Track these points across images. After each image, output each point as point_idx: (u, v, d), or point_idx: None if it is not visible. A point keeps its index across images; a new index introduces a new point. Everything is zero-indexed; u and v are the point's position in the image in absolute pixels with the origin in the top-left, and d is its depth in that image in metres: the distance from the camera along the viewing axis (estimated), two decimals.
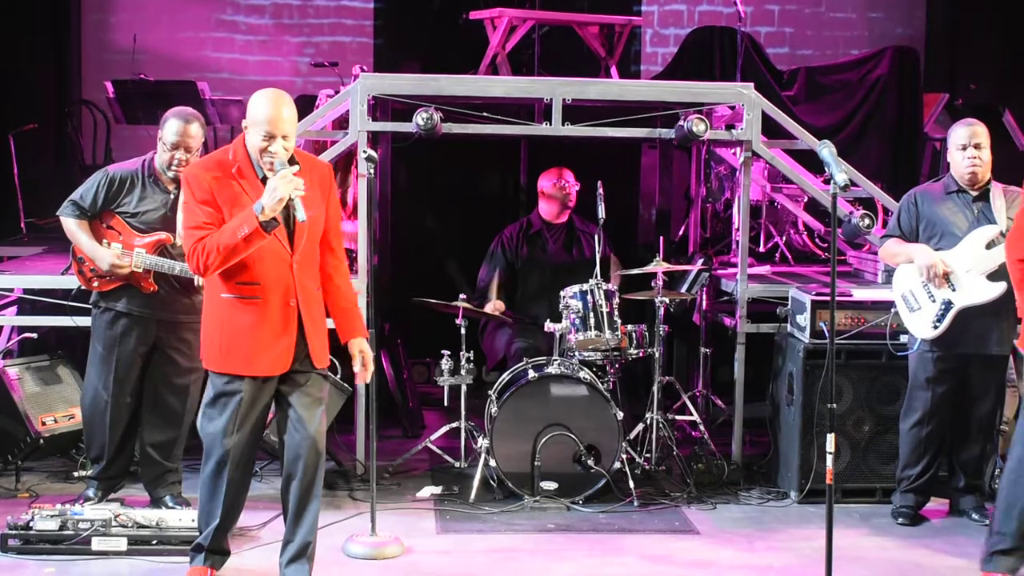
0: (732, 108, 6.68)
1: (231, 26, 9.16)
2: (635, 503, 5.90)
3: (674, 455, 6.38)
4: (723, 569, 5.20)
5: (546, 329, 6.34)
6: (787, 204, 7.47)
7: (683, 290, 6.86)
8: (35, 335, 6.54)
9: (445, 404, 6.47)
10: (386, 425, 6.97)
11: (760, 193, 7.55)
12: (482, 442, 6.05)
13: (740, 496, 6.15)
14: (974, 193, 5.60)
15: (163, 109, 5.51)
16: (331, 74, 8.24)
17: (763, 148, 6.47)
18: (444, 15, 8.84)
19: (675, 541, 5.51)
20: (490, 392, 6.23)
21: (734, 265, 6.74)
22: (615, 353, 6.24)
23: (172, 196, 5.38)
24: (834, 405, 4.54)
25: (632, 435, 6.37)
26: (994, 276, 5.42)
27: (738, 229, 6.58)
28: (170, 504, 5.47)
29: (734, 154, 6.83)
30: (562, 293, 6.32)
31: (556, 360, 6.14)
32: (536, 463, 5.90)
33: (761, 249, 7.73)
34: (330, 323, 4.65)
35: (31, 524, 5.06)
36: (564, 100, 6.31)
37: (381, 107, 6.55)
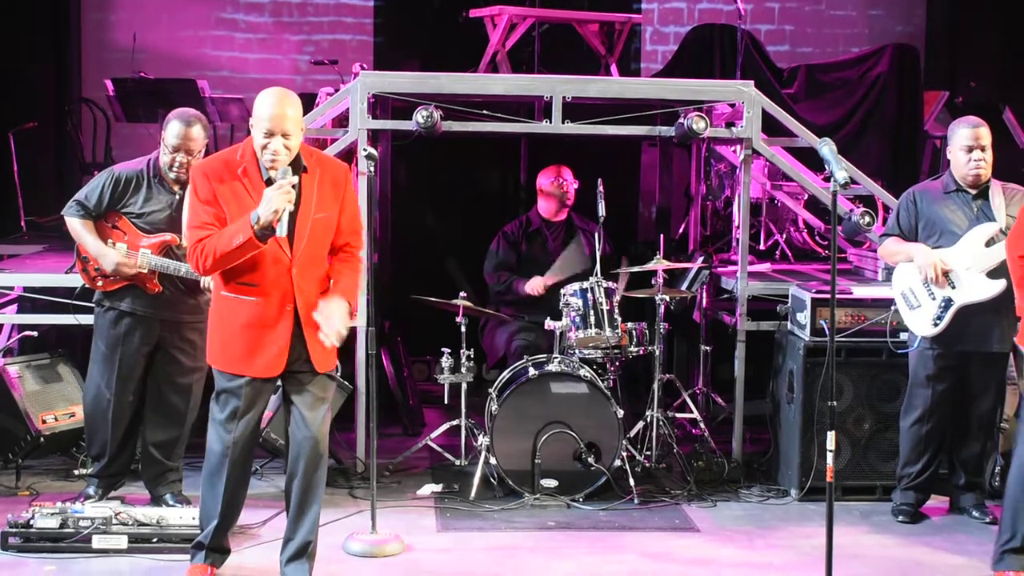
0: (732, 106, 6.68)
1: (231, 24, 9.15)
2: (635, 501, 5.89)
3: (674, 453, 6.37)
4: (723, 567, 5.19)
5: (546, 327, 6.34)
6: (787, 202, 7.47)
7: (683, 288, 6.84)
8: (35, 333, 6.53)
9: (445, 402, 6.47)
10: (386, 423, 6.96)
11: (760, 191, 7.55)
12: (482, 440, 6.05)
13: (740, 494, 6.15)
14: (973, 191, 5.60)
15: (163, 107, 5.51)
16: (331, 72, 8.24)
17: (763, 146, 6.46)
18: (444, 13, 8.85)
19: (675, 539, 5.51)
20: (490, 390, 6.23)
21: (734, 263, 6.74)
22: (615, 351, 6.23)
23: (177, 197, 5.37)
24: (834, 403, 4.54)
25: (632, 433, 6.37)
26: (994, 273, 5.42)
27: (738, 227, 6.58)
28: (171, 502, 5.47)
29: (734, 152, 6.83)
30: (562, 291, 6.32)
31: (556, 358, 6.14)
32: (536, 461, 5.90)
33: (761, 247, 7.74)
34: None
35: (32, 522, 5.05)
36: (564, 98, 6.31)
37: (381, 105, 6.54)
